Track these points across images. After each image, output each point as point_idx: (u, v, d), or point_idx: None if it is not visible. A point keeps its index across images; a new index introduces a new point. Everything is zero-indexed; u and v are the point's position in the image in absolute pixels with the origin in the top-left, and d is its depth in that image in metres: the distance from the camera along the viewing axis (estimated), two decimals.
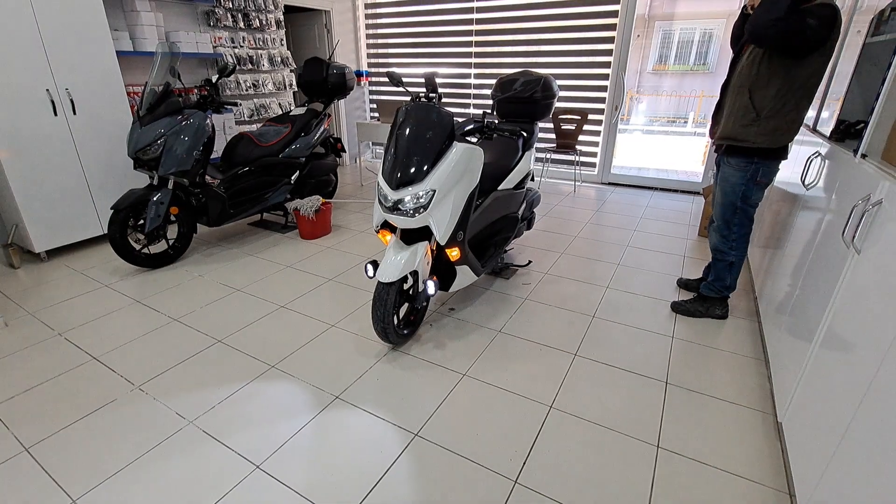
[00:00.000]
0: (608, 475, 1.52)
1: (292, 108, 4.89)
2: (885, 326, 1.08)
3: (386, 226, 2.17)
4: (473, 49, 5.48)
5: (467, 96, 5.76)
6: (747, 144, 2.06)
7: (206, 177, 3.15)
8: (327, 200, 3.69)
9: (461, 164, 1.99)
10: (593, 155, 5.28)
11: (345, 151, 4.27)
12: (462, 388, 1.92)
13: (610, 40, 4.74)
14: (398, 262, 1.98)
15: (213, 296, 2.70)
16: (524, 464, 1.56)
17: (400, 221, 1.98)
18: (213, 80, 3.08)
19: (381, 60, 6.10)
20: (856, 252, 1.32)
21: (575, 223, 3.99)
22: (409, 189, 1.94)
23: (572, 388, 1.92)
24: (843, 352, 1.28)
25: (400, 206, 1.96)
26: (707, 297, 2.47)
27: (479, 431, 1.70)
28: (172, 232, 3.15)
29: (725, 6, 10.68)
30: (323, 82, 3.83)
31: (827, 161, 1.91)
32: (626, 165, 6.27)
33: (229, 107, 3.55)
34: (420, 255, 2.02)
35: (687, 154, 7.98)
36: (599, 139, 5.16)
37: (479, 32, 5.39)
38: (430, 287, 2.02)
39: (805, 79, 1.90)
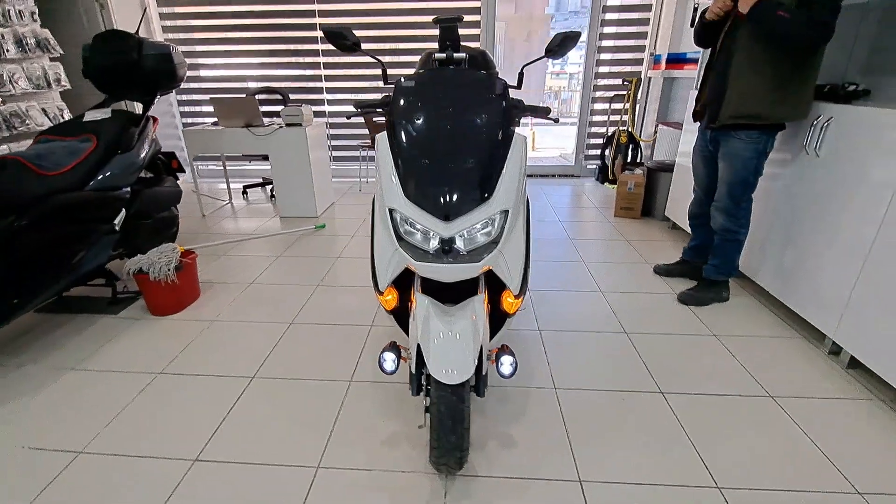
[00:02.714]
0: None
1: (66, 113, 3.17)
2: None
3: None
4: (320, 45, 4.51)
5: (320, 102, 4.76)
6: (769, 121, 1.94)
7: None
8: (189, 248, 2.40)
9: (523, 162, 1.27)
10: None
11: (183, 171, 2.91)
12: None
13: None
14: (465, 339, 1.16)
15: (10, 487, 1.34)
16: None
17: (453, 272, 1.17)
18: None
19: (185, 48, 4.56)
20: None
21: None
22: (472, 216, 1.14)
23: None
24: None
25: (455, 245, 1.15)
26: (715, 281, 2.30)
27: None
28: None
29: None
30: (132, 68, 2.44)
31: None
32: None
33: None
34: (482, 320, 1.24)
35: (554, 139, 8.29)
36: None
37: (323, 21, 4.44)
38: (508, 365, 1.25)
39: (818, 52, 1.84)
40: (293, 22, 4.48)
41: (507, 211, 1.18)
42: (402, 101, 1.22)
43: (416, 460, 1.40)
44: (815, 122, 1.92)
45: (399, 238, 1.20)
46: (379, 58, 1.48)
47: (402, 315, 1.54)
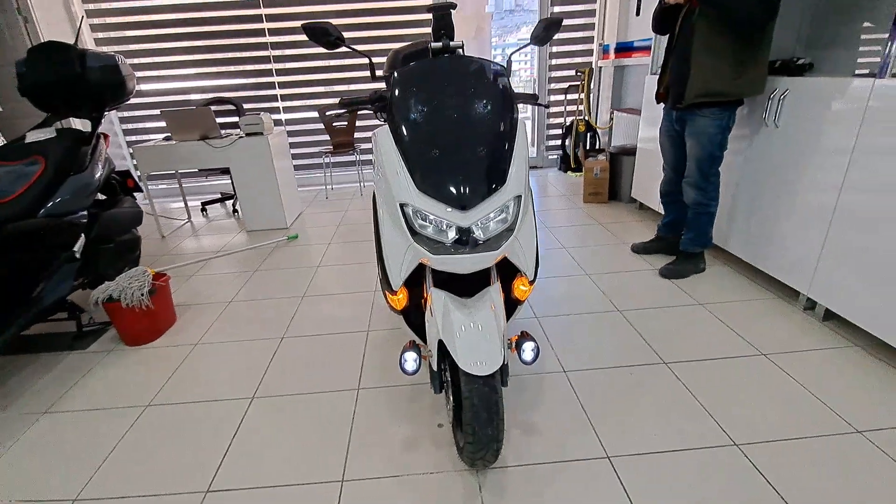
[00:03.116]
0: None
1: None
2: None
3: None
4: (271, 52, 4.35)
5: (276, 111, 4.59)
6: (731, 98, 2.06)
7: None
8: (160, 271, 2.24)
9: (527, 147, 1.27)
10: None
11: (140, 190, 2.71)
12: None
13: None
14: (488, 329, 1.15)
15: None
16: None
17: (473, 262, 1.15)
18: None
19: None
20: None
21: None
22: (488, 204, 1.13)
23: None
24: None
25: (474, 234, 1.13)
26: (692, 253, 2.41)
27: None
28: None
29: None
30: (75, 83, 2.25)
31: None
32: None
33: None
34: (500, 309, 1.23)
35: None
36: None
37: (272, 26, 4.29)
38: (530, 351, 1.24)
39: (767, 31, 1.95)
40: (239, 28, 4.30)
41: (521, 196, 1.18)
42: (403, 92, 1.19)
43: (442, 460, 1.37)
44: (772, 96, 2.06)
45: (413, 233, 1.16)
46: (365, 53, 1.44)
47: (409, 314, 1.51)
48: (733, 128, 2.16)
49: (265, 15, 4.26)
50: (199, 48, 4.35)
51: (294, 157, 4.81)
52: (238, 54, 4.40)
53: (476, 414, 1.11)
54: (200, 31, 4.28)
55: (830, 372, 1.64)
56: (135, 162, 4.17)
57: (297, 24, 4.31)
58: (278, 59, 4.43)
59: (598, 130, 4.61)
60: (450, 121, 1.14)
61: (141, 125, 4.60)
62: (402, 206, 1.16)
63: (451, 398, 1.30)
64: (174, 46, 4.32)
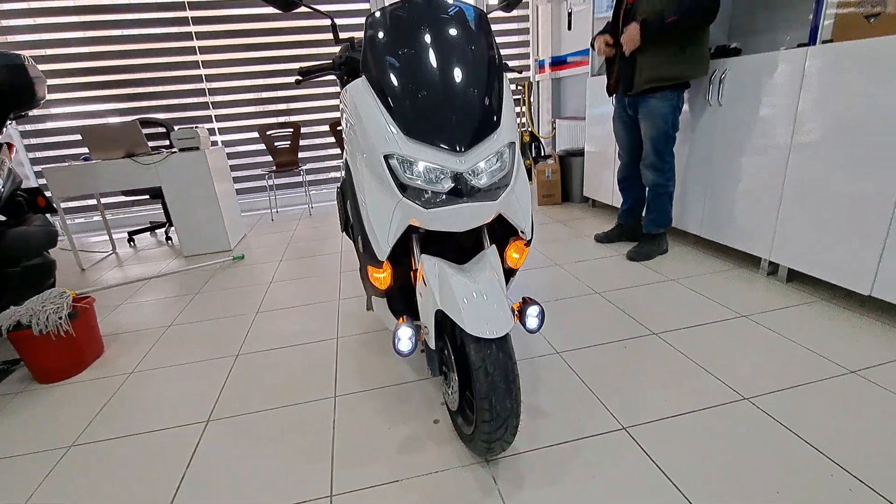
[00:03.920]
0: None
1: None
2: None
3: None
4: (203, 71, 4.12)
5: (211, 132, 4.31)
6: (678, 81, 2.15)
7: None
8: (81, 293, 1.91)
9: (512, 98, 1.20)
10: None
11: (54, 211, 2.35)
12: None
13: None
14: (493, 292, 1.03)
15: None
16: None
17: (472, 213, 1.04)
18: None
19: None
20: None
21: None
22: (485, 147, 1.03)
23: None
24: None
25: (471, 181, 1.02)
26: (655, 234, 2.45)
27: None
28: None
29: None
30: None
31: None
32: None
33: None
34: (500, 272, 1.12)
35: None
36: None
37: (199, 27, 4.08)
38: (535, 318, 1.13)
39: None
40: (167, 46, 4.04)
41: (514, 143, 1.09)
42: (381, 35, 1.08)
43: (446, 456, 1.20)
44: (713, 77, 2.18)
45: (401, 188, 1.03)
46: (327, 13, 1.32)
47: (392, 300, 1.36)
48: (682, 110, 2.26)
49: (195, 33, 4.04)
50: (118, 68, 4.01)
51: (234, 180, 4.53)
52: (166, 74, 4.12)
53: (493, 384, 0.97)
54: (119, 50, 3.97)
55: (807, 324, 1.67)
56: (43, 182, 3.71)
57: (231, 42, 4.13)
58: (211, 77, 4.19)
59: (542, 140, 4.75)
60: (434, 62, 1.04)
61: (52, 153, 4.12)
62: (386, 158, 1.03)
63: (454, 380, 1.15)
64: (89, 66, 3.96)
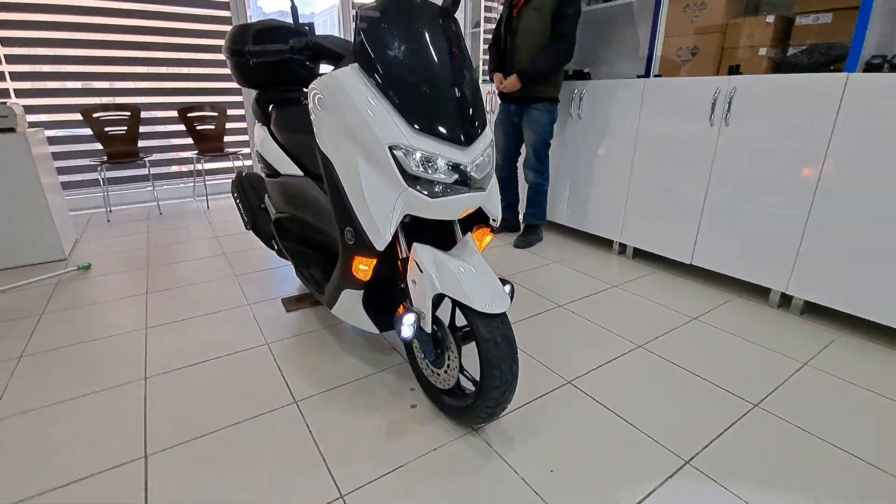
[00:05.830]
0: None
1: None
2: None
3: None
4: None
5: (4, 92, 3.28)
6: (550, 97, 2.57)
7: None
8: None
9: None
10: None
11: None
12: None
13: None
14: (487, 272, 1.17)
15: None
16: None
17: (470, 201, 1.17)
18: None
19: None
20: (725, 126, 2.03)
21: None
22: (483, 139, 1.17)
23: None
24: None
25: (472, 173, 1.14)
26: (535, 226, 2.88)
27: None
28: None
29: None
30: None
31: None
32: None
33: None
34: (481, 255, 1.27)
35: None
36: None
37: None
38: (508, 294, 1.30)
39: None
40: None
41: (493, 139, 1.24)
42: (376, 31, 1.09)
43: (435, 435, 1.29)
44: (574, 95, 2.67)
45: (406, 178, 1.09)
46: None
47: (369, 293, 1.38)
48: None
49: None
50: None
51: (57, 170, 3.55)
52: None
53: (502, 354, 1.12)
54: None
55: (656, 288, 2.24)
56: None
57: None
58: (8, 41, 3.19)
59: None
60: (433, 59, 1.12)
61: None
62: (391, 149, 1.07)
63: (453, 359, 1.25)
64: None
